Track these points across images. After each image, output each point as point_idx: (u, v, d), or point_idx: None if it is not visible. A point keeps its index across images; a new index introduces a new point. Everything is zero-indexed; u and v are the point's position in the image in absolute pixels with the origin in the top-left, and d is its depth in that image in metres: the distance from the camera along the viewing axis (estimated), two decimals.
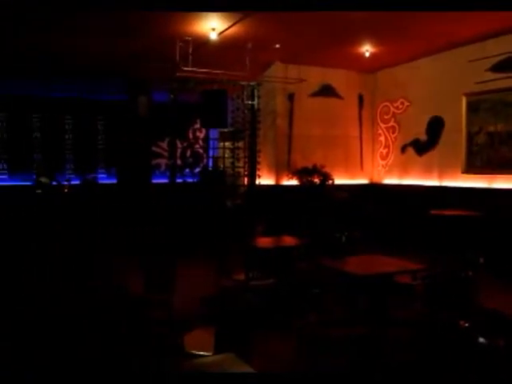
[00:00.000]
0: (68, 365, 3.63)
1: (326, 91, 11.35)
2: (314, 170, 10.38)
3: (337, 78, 11.46)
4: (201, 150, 14.17)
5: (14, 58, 9.80)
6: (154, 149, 13.51)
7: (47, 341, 4.08)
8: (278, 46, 9.19)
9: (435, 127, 10.19)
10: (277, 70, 10.70)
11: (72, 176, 12.50)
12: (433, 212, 8.76)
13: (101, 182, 13.11)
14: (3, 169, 12.63)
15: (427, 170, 10.40)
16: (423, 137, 10.50)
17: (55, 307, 4.92)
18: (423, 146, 10.54)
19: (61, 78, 11.40)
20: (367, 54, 9.59)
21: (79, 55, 9.67)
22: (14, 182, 12.48)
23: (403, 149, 11.12)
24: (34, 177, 12.04)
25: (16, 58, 9.77)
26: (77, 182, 12.23)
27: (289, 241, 6.66)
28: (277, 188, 10.87)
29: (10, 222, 9.57)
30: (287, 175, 10.65)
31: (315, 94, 11.23)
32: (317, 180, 10.37)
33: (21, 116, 12.73)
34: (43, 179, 11.08)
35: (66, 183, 10.96)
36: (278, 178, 10.92)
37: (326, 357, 4.24)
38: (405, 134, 11.07)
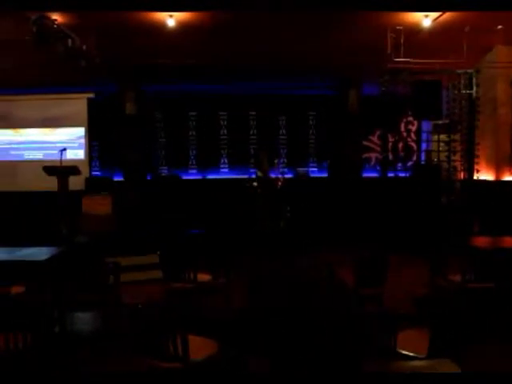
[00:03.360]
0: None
1: None
2: None
3: None
4: (413, 144, 13.70)
5: (236, 61, 10.51)
6: (364, 143, 13.45)
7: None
8: (500, 26, 8.42)
9: None
10: (498, 53, 9.82)
11: (285, 170, 13.05)
12: None
13: (312, 175, 13.46)
14: (224, 163, 13.72)
15: None
16: None
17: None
18: None
19: (274, 77, 11.95)
20: None
21: (292, 53, 10.01)
22: (233, 175, 13.47)
23: None
24: (250, 170, 12.81)
25: (239, 59, 10.47)
26: (290, 176, 12.73)
27: (511, 243, 6.11)
28: (496, 184, 10.02)
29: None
30: (510, 170, 9.74)
31: None
32: None
33: (238, 115, 13.68)
34: (259, 173, 11.73)
35: (280, 176, 11.47)
36: (498, 173, 10.04)
37: None
38: None
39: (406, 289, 6.16)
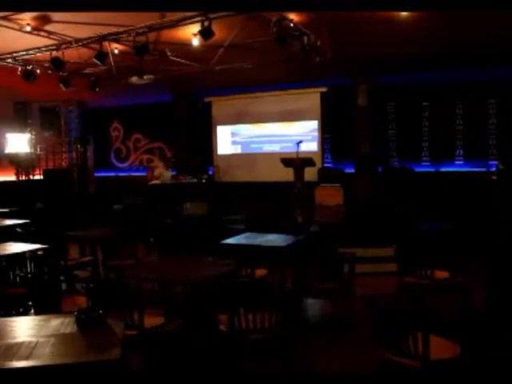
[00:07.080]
0: None
1: None
2: None
3: None
4: None
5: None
6: None
7: None
8: None
9: None
10: None
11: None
12: None
13: None
14: (459, 155, 12.97)
15: None
16: None
17: None
18: None
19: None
20: None
21: None
22: (469, 167, 12.67)
23: None
24: (489, 163, 11.93)
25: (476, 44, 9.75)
26: None
27: None
28: None
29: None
30: None
31: None
32: None
33: (476, 104, 12.70)
34: (501, 165, 10.86)
35: (494, 170, 10.51)
36: None
37: None
38: None
39: None
